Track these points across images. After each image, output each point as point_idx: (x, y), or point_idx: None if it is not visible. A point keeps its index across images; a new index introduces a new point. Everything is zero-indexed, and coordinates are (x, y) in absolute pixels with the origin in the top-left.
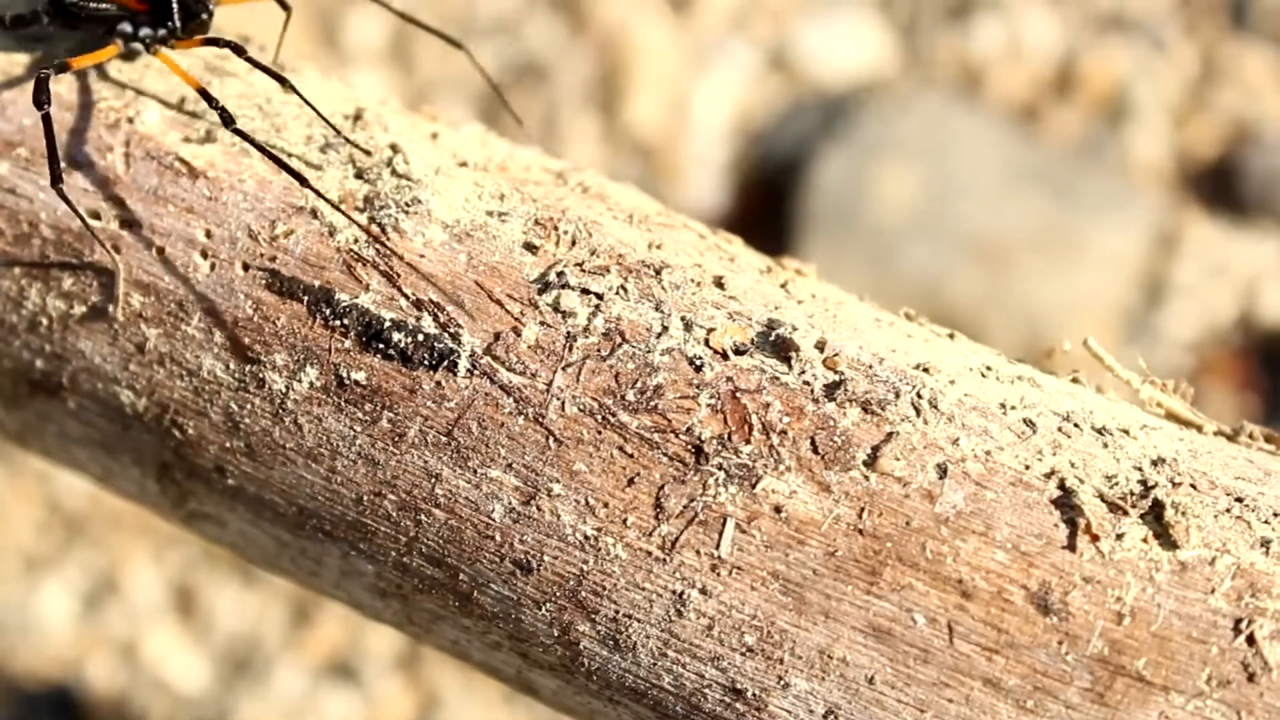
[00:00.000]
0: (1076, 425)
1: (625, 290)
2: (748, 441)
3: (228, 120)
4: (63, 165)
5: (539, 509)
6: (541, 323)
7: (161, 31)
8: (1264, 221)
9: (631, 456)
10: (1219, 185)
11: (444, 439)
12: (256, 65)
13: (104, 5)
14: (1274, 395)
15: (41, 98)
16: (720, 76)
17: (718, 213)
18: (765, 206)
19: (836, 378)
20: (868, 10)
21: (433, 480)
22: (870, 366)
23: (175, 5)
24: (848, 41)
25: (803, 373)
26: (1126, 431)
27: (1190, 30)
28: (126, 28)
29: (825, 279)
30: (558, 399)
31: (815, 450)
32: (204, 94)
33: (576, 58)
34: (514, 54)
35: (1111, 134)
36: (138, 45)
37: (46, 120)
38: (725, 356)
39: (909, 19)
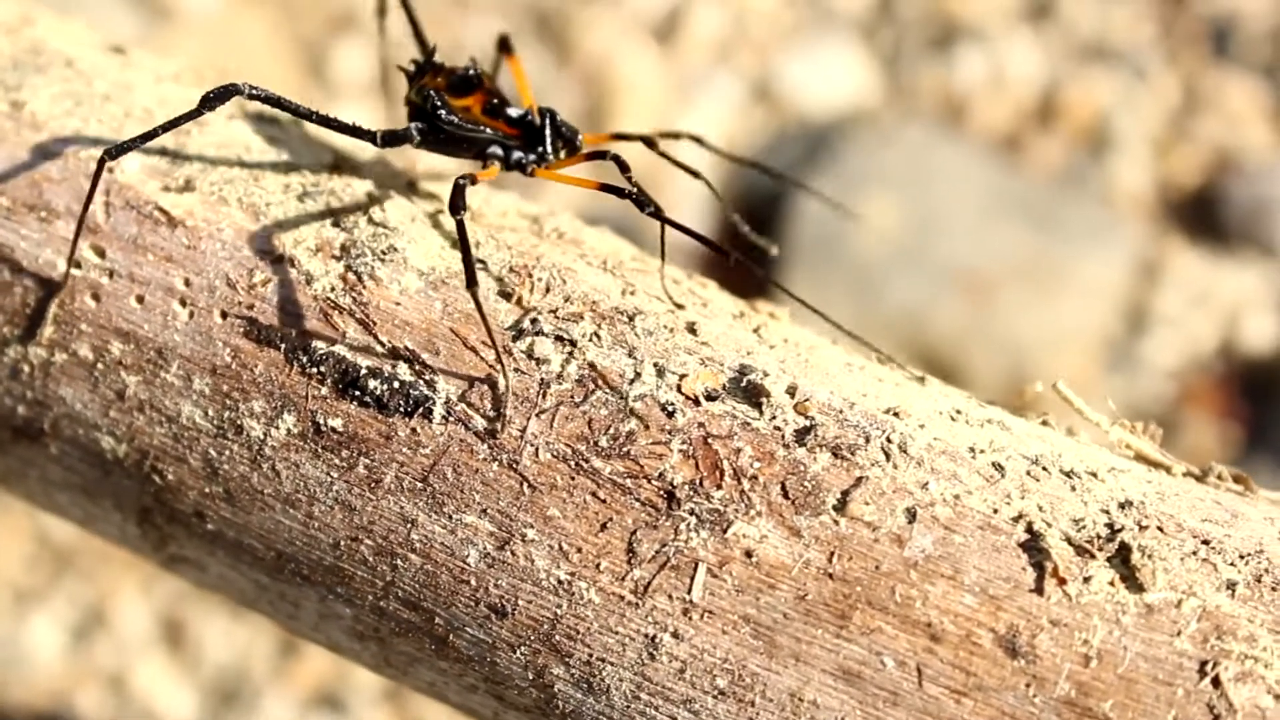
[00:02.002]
0: (1045, 469)
1: (599, 337)
2: (719, 487)
3: (658, 212)
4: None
5: (513, 554)
6: (516, 369)
7: (533, 156)
8: (1245, 250)
9: (604, 502)
10: (1201, 214)
11: (420, 484)
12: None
13: (481, 129)
14: (1255, 423)
15: (459, 204)
16: (704, 107)
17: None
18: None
19: (807, 423)
20: (851, 41)
21: (409, 525)
22: (841, 411)
23: (549, 135)
24: (831, 73)
25: (774, 418)
26: (1095, 474)
27: (1172, 60)
28: (498, 150)
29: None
30: (531, 445)
31: (786, 495)
32: (615, 190)
33: (562, 88)
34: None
35: (1094, 164)
36: (514, 169)
37: (461, 226)
38: (697, 402)
39: (892, 50)
